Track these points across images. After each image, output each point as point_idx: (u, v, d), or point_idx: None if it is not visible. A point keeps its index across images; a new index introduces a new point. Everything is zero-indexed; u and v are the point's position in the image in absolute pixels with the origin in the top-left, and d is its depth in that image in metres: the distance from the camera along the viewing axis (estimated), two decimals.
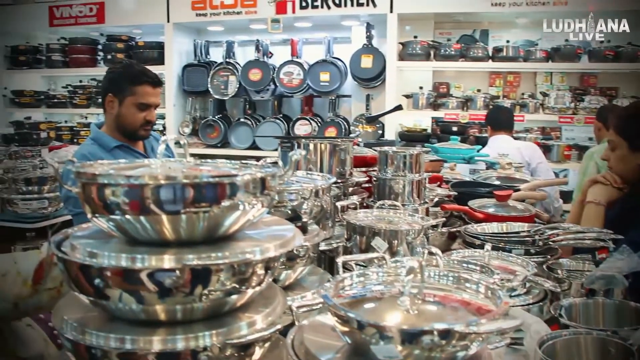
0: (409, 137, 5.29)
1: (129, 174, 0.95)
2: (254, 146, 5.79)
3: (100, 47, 6.53)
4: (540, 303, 1.58)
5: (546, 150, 4.98)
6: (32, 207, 3.69)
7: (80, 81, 6.81)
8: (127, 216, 0.94)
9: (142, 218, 0.94)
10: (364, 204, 2.21)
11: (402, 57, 5.34)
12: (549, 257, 1.89)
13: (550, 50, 5.19)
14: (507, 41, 5.32)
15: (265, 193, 1.02)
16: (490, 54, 5.28)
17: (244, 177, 0.97)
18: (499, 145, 4.13)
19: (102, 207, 0.97)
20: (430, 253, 1.24)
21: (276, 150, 5.32)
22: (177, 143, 1.25)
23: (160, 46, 6.10)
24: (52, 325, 1.69)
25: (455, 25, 5.80)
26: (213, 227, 0.98)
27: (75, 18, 6.29)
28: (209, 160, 1.20)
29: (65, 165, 1.13)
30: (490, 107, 5.25)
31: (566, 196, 4.40)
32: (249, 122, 5.91)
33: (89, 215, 1.02)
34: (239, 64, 5.90)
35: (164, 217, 0.93)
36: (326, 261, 1.90)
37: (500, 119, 4.61)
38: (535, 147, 4.50)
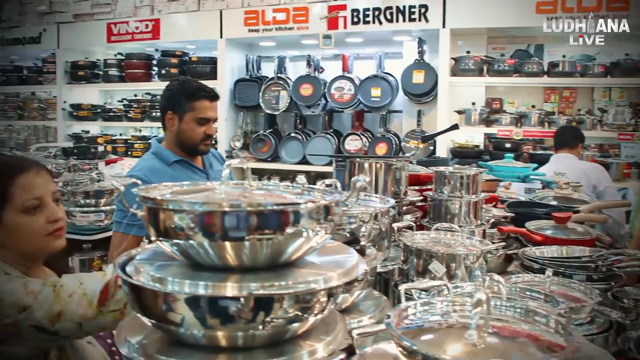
0: (461, 154, 5.20)
1: (193, 199, 0.96)
2: (304, 161, 5.81)
3: (154, 62, 6.70)
4: (605, 334, 1.52)
5: (604, 168, 4.82)
6: (89, 219, 3.78)
7: (135, 95, 7.00)
8: (191, 241, 0.95)
9: (206, 244, 0.94)
10: (418, 223, 2.18)
11: (454, 72, 5.27)
12: (612, 284, 1.82)
13: (609, 65, 5.02)
14: (564, 56, 5.16)
15: (329, 219, 1.01)
16: (546, 69, 5.15)
17: (307, 205, 0.97)
18: (561, 165, 3.99)
19: (166, 232, 0.98)
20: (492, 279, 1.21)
21: (326, 165, 5.35)
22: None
23: (213, 61, 6.20)
24: (109, 343, 1.72)
25: (509, 40, 5.68)
26: (276, 254, 0.97)
27: (132, 34, 6.46)
28: (270, 183, 1.20)
29: (129, 187, 1.14)
30: (546, 123, 5.13)
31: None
32: (300, 137, 5.93)
33: (153, 238, 1.03)
34: (290, 79, 5.93)
35: (228, 244, 0.94)
36: (381, 283, 1.87)
37: (563, 137, 4.51)
38: (601, 168, 4.33)
